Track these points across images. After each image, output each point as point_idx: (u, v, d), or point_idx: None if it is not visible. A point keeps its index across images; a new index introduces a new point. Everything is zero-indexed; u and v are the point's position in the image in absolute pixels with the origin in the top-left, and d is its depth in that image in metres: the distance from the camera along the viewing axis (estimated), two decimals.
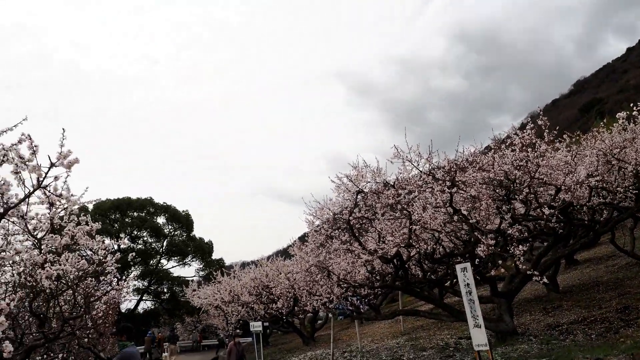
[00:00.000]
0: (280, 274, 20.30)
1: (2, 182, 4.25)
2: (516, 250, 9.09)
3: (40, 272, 4.70)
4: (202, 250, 40.74)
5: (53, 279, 4.77)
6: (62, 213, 5.40)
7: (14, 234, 5.58)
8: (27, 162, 4.27)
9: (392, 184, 10.69)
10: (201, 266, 40.86)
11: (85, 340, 6.91)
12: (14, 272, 5.76)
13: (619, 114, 10.67)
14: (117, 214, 38.01)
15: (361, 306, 14.82)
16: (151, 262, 38.39)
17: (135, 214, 38.92)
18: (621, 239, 16.54)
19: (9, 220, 4.94)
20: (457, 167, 10.06)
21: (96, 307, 7.88)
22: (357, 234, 11.32)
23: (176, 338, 26.82)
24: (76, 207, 5.25)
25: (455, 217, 9.87)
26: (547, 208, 9.75)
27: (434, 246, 11.21)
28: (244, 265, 28.16)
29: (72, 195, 5.05)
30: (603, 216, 12.34)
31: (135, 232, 38.07)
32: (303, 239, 15.90)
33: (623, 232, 17.27)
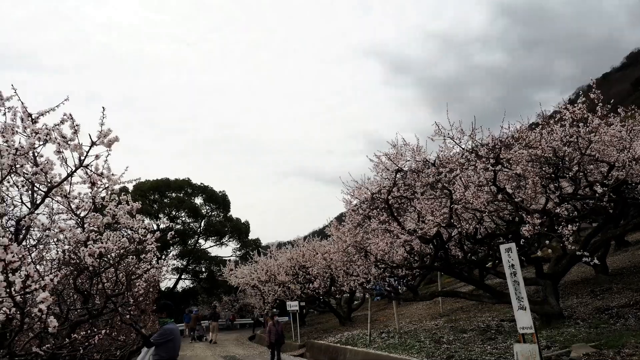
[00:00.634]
0: (317, 254, 20.31)
1: (46, 161, 4.29)
2: (565, 231, 8.67)
3: (83, 250, 4.73)
4: (239, 230, 41.23)
5: (95, 256, 4.80)
6: (104, 193, 5.43)
7: (59, 213, 5.67)
8: (69, 142, 4.30)
9: (433, 162, 10.36)
10: (238, 246, 41.40)
11: (128, 316, 7.02)
12: (58, 249, 5.88)
13: None
14: (156, 195, 38.77)
15: (399, 287, 14.65)
16: (189, 242, 39.15)
17: (173, 194, 39.60)
18: None
19: (53, 199, 5.01)
20: (501, 144, 9.62)
21: (137, 284, 7.99)
22: (395, 214, 11.08)
23: (217, 316, 27.42)
24: (117, 186, 5.30)
25: (500, 196, 9.48)
26: (599, 186, 9.21)
27: (477, 226, 10.83)
28: (280, 245, 28.36)
29: (112, 174, 5.09)
30: None
31: (174, 213, 38.81)
32: (340, 219, 15.78)
33: None
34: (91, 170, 4.69)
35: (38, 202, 4.62)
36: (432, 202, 10.76)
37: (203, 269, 40.27)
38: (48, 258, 6.36)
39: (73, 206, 5.19)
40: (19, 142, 4.02)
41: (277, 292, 23.71)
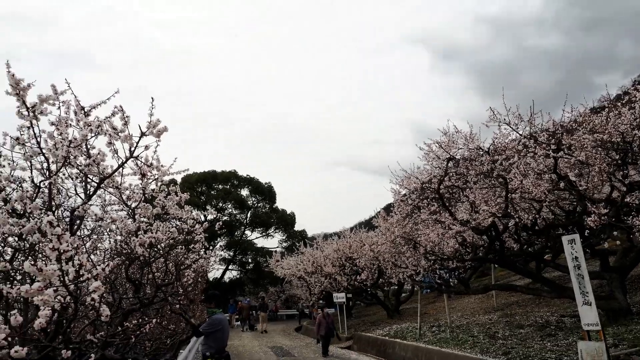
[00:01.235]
0: (364, 245, 20.06)
1: (98, 152, 4.33)
2: (635, 221, 8.04)
3: (134, 240, 4.74)
4: (285, 221, 41.55)
5: (146, 246, 4.80)
6: (153, 185, 5.46)
7: (111, 204, 5.74)
8: (119, 133, 4.33)
9: (487, 149, 9.86)
10: (284, 237, 41.75)
11: (177, 306, 7.09)
12: (110, 240, 5.97)
13: None
14: (203, 187, 39.57)
15: (450, 279, 14.21)
16: (236, 233, 39.82)
17: (220, 186, 40.32)
18: None
19: (105, 190, 5.07)
20: (563, 129, 9.02)
21: (186, 274, 8.07)
22: (447, 204, 10.66)
23: (266, 307, 27.80)
24: (166, 177, 5.31)
25: (561, 184, 8.90)
26: None
27: (535, 216, 10.25)
28: (326, 236, 28.27)
29: (161, 165, 5.10)
30: None
31: (221, 204, 39.52)
32: (388, 209, 15.43)
33: None
34: (141, 162, 4.71)
35: (91, 193, 4.65)
36: (486, 192, 10.28)
37: (249, 260, 40.93)
38: (101, 248, 6.48)
39: (124, 197, 5.23)
40: (73, 135, 4.09)
41: (323, 284, 23.69)
